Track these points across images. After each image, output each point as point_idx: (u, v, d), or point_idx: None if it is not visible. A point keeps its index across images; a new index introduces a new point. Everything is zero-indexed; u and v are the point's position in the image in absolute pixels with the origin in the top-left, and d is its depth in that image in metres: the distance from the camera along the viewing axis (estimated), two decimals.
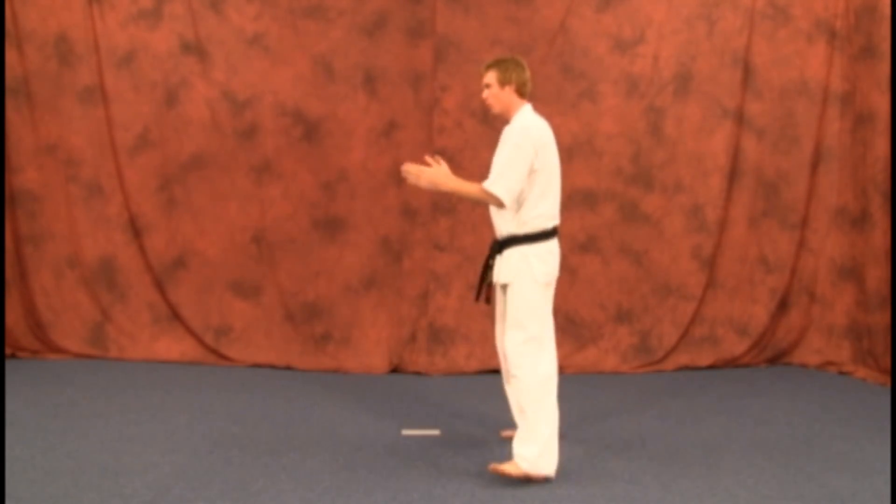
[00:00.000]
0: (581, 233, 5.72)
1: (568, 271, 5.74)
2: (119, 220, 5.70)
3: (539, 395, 3.57)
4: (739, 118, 5.75)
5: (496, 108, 3.71)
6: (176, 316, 5.73)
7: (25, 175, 5.66)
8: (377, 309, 5.65)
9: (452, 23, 5.56)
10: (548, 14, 5.61)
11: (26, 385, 4.93)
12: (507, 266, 3.61)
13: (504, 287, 3.64)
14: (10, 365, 5.37)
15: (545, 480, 3.53)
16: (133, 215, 5.70)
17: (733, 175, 5.78)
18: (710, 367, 5.75)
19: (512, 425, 3.92)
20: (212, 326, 5.71)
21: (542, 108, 5.60)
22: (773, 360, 5.90)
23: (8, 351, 5.57)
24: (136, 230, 5.71)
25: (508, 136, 3.61)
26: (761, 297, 5.88)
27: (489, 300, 3.79)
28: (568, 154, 5.70)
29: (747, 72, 5.72)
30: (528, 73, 3.70)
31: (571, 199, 5.72)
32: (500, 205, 3.52)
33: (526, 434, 3.55)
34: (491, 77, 3.66)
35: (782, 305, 5.90)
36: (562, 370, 5.58)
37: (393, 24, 5.57)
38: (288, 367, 5.55)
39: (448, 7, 5.55)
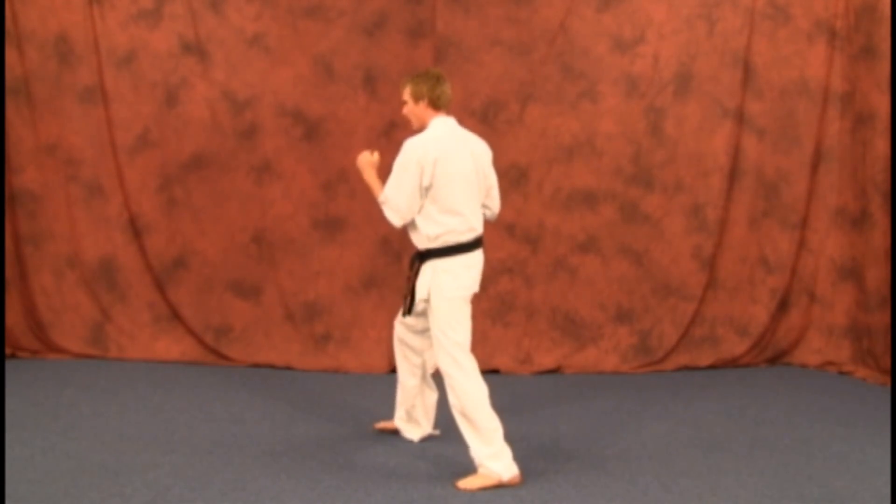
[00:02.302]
0: (581, 233, 5.72)
1: (568, 271, 5.75)
2: (119, 220, 5.70)
3: (480, 399, 3.50)
4: (739, 118, 5.75)
5: (414, 122, 3.72)
6: (176, 316, 5.73)
7: (25, 175, 5.66)
8: (377, 309, 5.65)
9: (452, 23, 5.56)
10: (548, 14, 5.61)
11: (26, 385, 4.93)
12: (423, 281, 3.60)
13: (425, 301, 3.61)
14: (10, 365, 5.36)
15: (513, 482, 3.48)
16: (133, 215, 5.70)
17: (733, 175, 5.78)
18: (710, 367, 5.75)
19: (389, 417, 4.16)
20: (212, 326, 5.71)
21: (541, 108, 5.67)
22: (773, 360, 5.90)
23: (8, 351, 5.56)
24: (136, 230, 5.71)
25: (400, 152, 3.62)
26: (761, 297, 5.87)
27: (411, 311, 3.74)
28: (568, 154, 5.71)
29: (747, 72, 5.72)
30: (444, 87, 3.65)
31: (571, 199, 5.72)
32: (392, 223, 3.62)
33: (480, 441, 3.49)
34: (406, 93, 3.67)
35: (782, 305, 5.90)
36: (562, 370, 5.64)
37: (393, 24, 5.57)
38: (288, 367, 5.55)
39: (448, 7, 5.55)
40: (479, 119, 5.51)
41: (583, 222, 5.72)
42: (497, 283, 5.65)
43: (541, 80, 5.65)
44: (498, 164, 3.70)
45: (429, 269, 3.59)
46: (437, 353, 3.58)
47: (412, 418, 4.03)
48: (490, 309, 5.58)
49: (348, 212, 5.66)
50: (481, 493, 3.40)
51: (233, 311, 5.71)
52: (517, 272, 5.72)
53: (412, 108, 3.68)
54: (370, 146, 5.63)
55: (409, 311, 3.71)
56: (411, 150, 3.55)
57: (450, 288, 3.55)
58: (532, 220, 5.70)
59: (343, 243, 5.67)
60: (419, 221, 3.58)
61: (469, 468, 3.58)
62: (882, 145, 5.45)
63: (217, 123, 5.64)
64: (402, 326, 3.92)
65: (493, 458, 3.48)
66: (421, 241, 3.61)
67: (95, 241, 5.72)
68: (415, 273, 3.63)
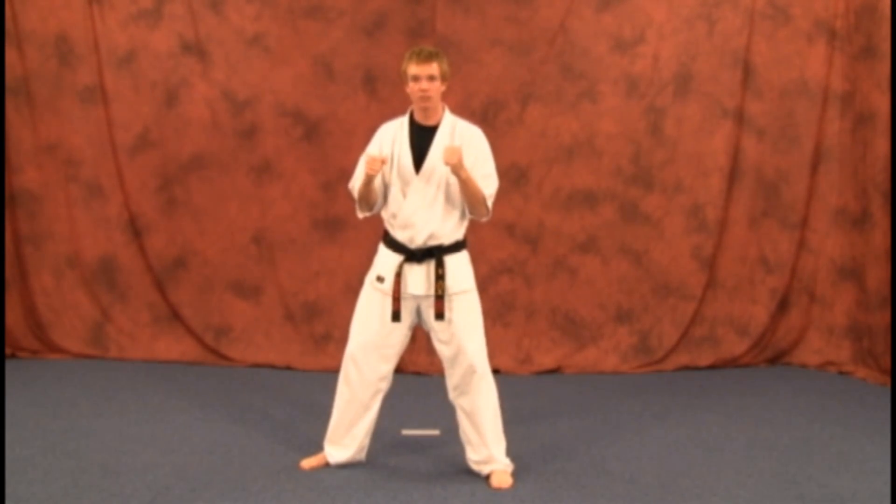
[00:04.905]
0: (581, 233, 5.72)
1: (568, 271, 5.75)
2: (119, 220, 5.70)
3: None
4: (739, 118, 5.74)
5: (435, 102, 3.43)
6: (176, 316, 5.73)
7: (25, 175, 5.67)
8: None
9: (452, 23, 5.56)
10: (548, 14, 5.61)
11: (26, 385, 4.93)
12: (462, 272, 3.50)
13: (450, 295, 3.45)
14: (10, 365, 5.37)
15: None
16: (133, 215, 5.70)
17: (733, 175, 5.78)
18: (710, 367, 5.75)
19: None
20: (212, 326, 5.71)
21: (541, 108, 5.68)
22: (773, 360, 5.90)
23: (8, 351, 5.57)
24: (136, 230, 5.71)
25: (475, 142, 3.47)
26: (761, 297, 5.87)
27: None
28: (568, 154, 5.71)
29: (747, 72, 5.72)
30: None
31: (571, 199, 5.72)
32: (484, 216, 3.53)
33: (499, 437, 3.56)
34: (436, 69, 3.37)
35: (782, 305, 5.90)
36: (562, 370, 5.64)
37: (393, 24, 5.57)
38: (288, 367, 5.55)
39: (448, 7, 5.55)
40: (479, 119, 5.50)
41: (583, 222, 5.72)
42: (497, 283, 5.65)
43: (541, 80, 5.65)
44: (498, 163, 3.69)
45: (464, 259, 3.52)
46: (478, 348, 3.47)
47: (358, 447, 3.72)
48: (490, 309, 5.57)
49: (348, 212, 5.63)
50: (481, 493, 3.40)
51: (233, 311, 5.71)
52: (517, 272, 5.72)
53: (439, 88, 3.41)
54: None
55: (441, 314, 3.44)
56: (485, 138, 3.51)
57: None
58: (532, 220, 5.70)
59: (343, 243, 5.67)
60: (461, 212, 3.51)
61: (467, 468, 3.59)
62: (882, 145, 5.45)
63: (217, 123, 5.64)
64: (374, 355, 3.54)
65: (504, 451, 3.56)
66: (459, 232, 3.52)
67: (95, 241, 5.72)
68: (438, 266, 3.44)
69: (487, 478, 3.52)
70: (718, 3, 5.65)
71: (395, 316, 3.47)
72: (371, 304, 3.55)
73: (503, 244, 5.65)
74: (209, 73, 5.61)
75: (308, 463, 3.66)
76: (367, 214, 3.64)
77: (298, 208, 5.69)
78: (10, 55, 5.55)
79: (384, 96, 5.58)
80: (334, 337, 5.65)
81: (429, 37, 5.54)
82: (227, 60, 5.61)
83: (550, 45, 5.64)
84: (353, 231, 5.64)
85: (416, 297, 3.49)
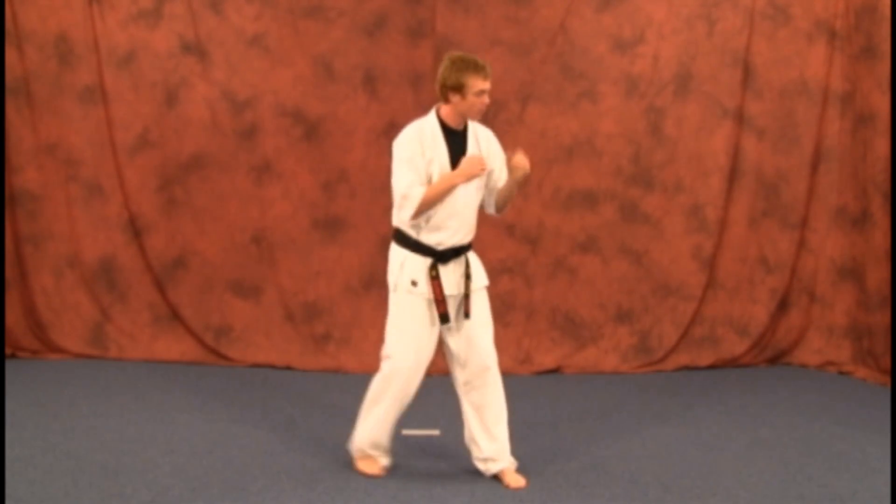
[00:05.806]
0: (581, 233, 5.72)
1: (568, 271, 5.75)
2: (119, 220, 5.70)
3: None
4: (739, 118, 5.75)
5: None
6: (176, 316, 5.73)
7: (25, 175, 5.66)
8: (377, 309, 5.61)
9: (452, 23, 5.56)
10: (548, 14, 5.62)
11: (26, 385, 4.93)
12: (480, 269, 3.58)
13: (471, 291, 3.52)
14: (10, 365, 5.36)
15: None
16: (133, 215, 5.70)
17: (733, 175, 5.78)
18: (710, 367, 5.75)
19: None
20: (212, 326, 5.71)
21: (541, 108, 5.68)
22: (773, 360, 5.90)
23: (8, 351, 5.56)
24: (136, 230, 5.71)
25: (494, 143, 3.66)
26: (761, 297, 5.87)
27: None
28: (568, 154, 5.71)
29: (747, 72, 5.72)
30: None
31: (571, 199, 5.72)
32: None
33: (506, 433, 3.55)
34: (490, 82, 3.43)
35: (782, 305, 5.90)
36: (562, 370, 5.64)
37: (393, 24, 5.57)
38: (288, 367, 5.55)
39: (448, 7, 5.55)
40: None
41: (583, 222, 5.72)
42: (497, 283, 5.63)
43: (541, 80, 5.65)
44: None
45: (476, 257, 3.58)
46: (490, 345, 3.52)
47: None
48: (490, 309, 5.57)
49: (348, 212, 5.66)
50: (482, 493, 3.40)
51: (233, 311, 5.71)
52: (517, 272, 5.72)
53: None
54: (370, 146, 5.66)
55: (446, 318, 3.43)
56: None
57: None
58: (532, 220, 5.70)
59: (343, 243, 5.67)
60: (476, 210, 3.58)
61: (467, 468, 3.59)
62: (882, 145, 5.45)
63: (217, 123, 5.64)
64: (425, 362, 3.54)
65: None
66: (473, 230, 3.56)
67: (95, 241, 5.71)
68: (465, 266, 3.48)
69: (496, 478, 3.52)
70: (718, 3, 5.65)
71: (444, 318, 3.43)
72: (414, 312, 3.48)
73: (503, 244, 5.65)
74: (209, 73, 5.61)
75: (369, 469, 3.57)
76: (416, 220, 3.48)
77: (298, 208, 5.69)
78: (10, 55, 5.55)
79: (384, 96, 5.58)
80: (334, 337, 5.66)
81: (429, 37, 5.55)
82: (227, 60, 5.61)
83: (550, 45, 5.64)
84: (353, 231, 5.65)
85: (450, 298, 3.47)
